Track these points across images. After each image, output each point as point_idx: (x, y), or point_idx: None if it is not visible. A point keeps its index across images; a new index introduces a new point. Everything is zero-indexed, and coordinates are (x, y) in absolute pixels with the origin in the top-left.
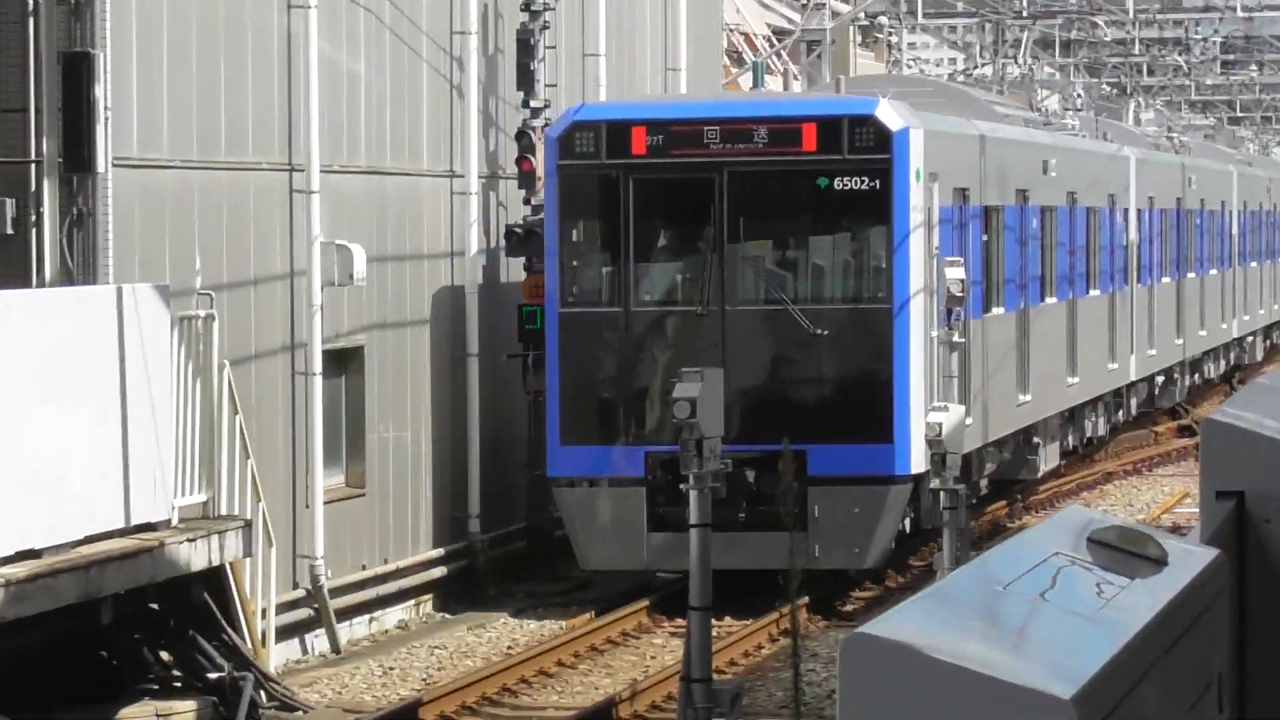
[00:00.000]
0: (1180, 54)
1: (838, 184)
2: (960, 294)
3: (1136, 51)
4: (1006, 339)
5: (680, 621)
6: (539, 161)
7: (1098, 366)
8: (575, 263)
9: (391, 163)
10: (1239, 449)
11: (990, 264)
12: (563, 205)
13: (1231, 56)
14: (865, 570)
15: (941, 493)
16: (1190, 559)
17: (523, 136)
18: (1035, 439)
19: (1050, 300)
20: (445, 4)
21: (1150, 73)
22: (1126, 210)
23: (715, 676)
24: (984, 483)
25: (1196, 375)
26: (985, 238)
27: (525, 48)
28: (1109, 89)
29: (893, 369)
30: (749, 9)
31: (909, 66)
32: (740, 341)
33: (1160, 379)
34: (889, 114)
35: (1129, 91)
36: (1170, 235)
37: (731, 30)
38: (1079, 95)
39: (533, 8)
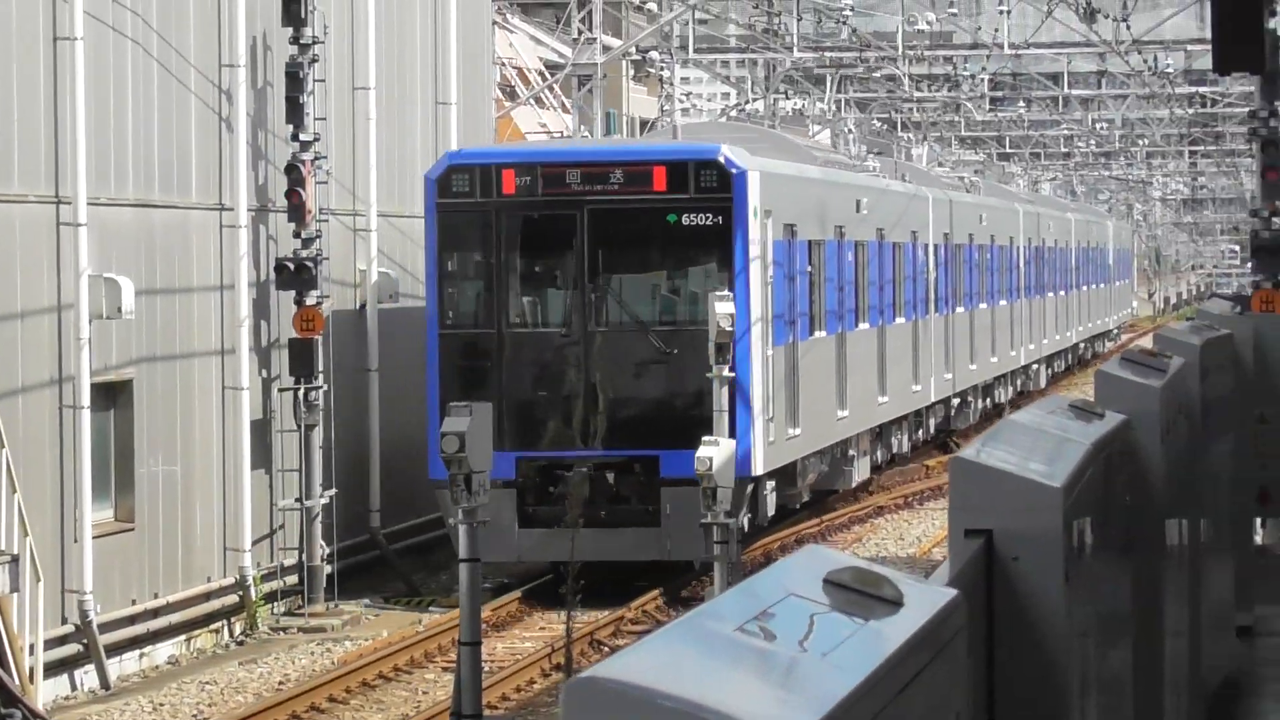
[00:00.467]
0: (949, 90)
1: (685, 220)
2: (730, 329)
3: (906, 88)
4: (827, 359)
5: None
6: (309, 195)
7: (903, 388)
8: (452, 290)
9: (160, 195)
10: (987, 487)
11: (814, 292)
12: (441, 239)
13: (1000, 94)
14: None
15: (714, 527)
16: (927, 599)
17: (292, 170)
18: (850, 452)
19: (864, 326)
20: (213, 37)
21: (921, 108)
22: (926, 245)
23: (486, 712)
24: (805, 491)
25: (988, 399)
26: (810, 269)
27: (294, 81)
28: (880, 124)
29: (735, 383)
30: (521, 43)
31: (681, 101)
32: (601, 359)
33: (956, 401)
34: (731, 157)
35: (899, 127)
36: (964, 269)
37: (504, 64)
38: (850, 131)
39: (301, 41)
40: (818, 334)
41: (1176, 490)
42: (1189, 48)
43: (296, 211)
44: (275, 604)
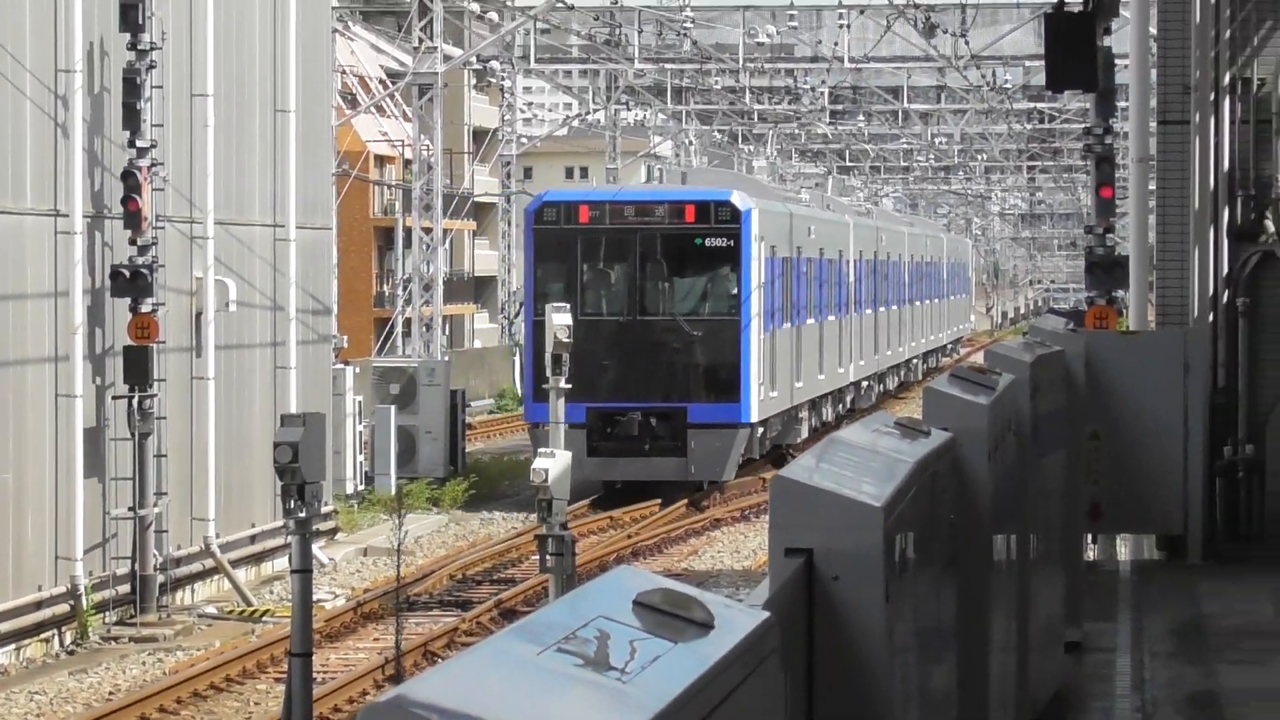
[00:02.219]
0: (790, 103)
1: (708, 242)
2: (567, 339)
3: (747, 100)
4: (791, 344)
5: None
6: (145, 202)
7: (833, 369)
8: (544, 290)
9: None
10: (807, 506)
11: (785, 294)
12: (536, 253)
13: (840, 107)
14: (722, 481)
15: (549, 539)
16: (738, 620)
17: (129, 176)
18: (800, 415)
19: (810, 321)
20: (49, 41)
21: (761, 121)
22: (848, 260)
23: None
24: (768, 442)
25: (883, 384)
26: (783, 278)
27: (131, 87)
28: (720, 136)
29: (740, 357)
30: (362, 51)
31: (523, 111)
32: (647, 339)
33: (865, 384)
34: (739, 199)
35: (740, 139)
36: (871, 279)
37: (345, 72)
38: (691, 142)
39: (139, 47)
40: (785, 325)
41: (1005, 507)
42: (1027, 63)
43: (132, 218)
44: (107, 613)
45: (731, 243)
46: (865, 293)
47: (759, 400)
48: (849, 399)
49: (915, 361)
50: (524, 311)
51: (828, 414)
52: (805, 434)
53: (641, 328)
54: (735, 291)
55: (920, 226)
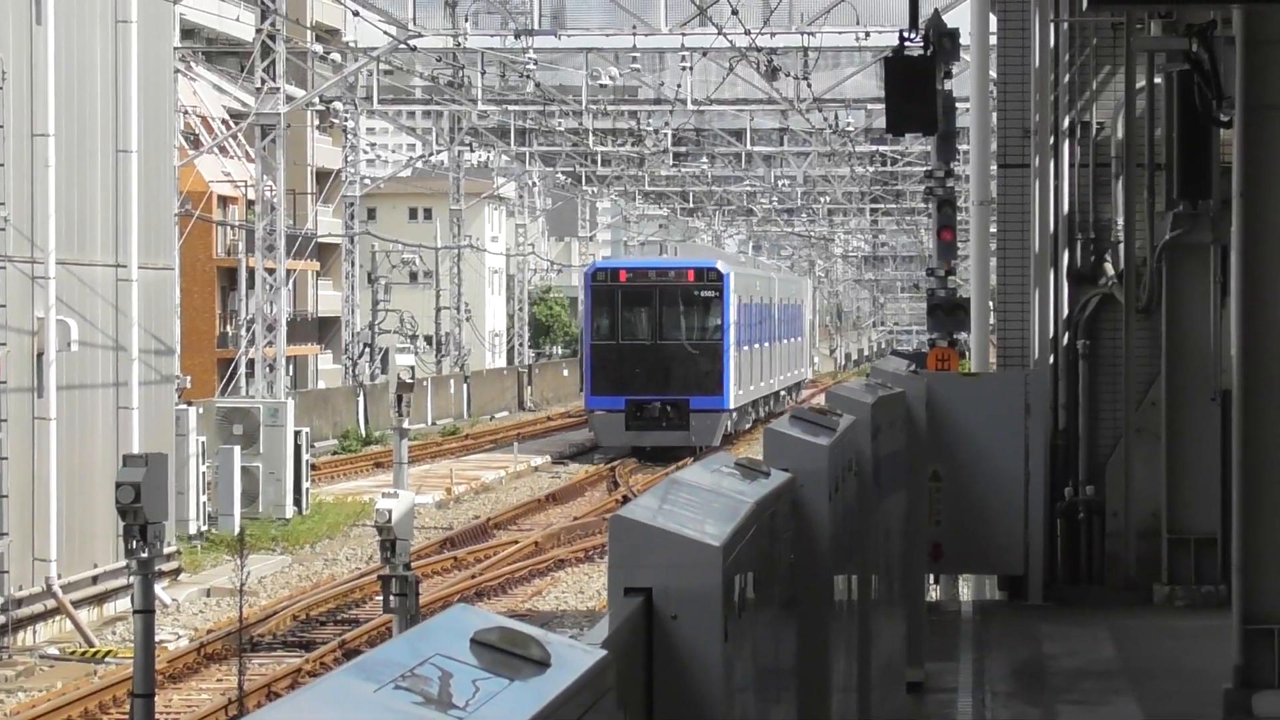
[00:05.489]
0: (633, 145)
1: (701, 294)
2: (410, 380)
3: (590, 142)
4: (749, 360)
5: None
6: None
7: (766, 381)
8: (597, 324)
9: None
10: (646, 545)
11: (749, 327)
12: (593, 300)
13: (683, 149)
14: (712, 446)
15: (392, 579)
16: (575, 658)
17: None
18: (749, 410)
19: (757, 346)
20: None
21: (605, 163)
22: (774, 304)
23: None
24: (731, 425)
25: (791, 394)
26: (745, 316)
27: None
28: (564, 178)
29: (723, 366)
30: (204, 91)
31: (366, 152)
32: (664, 355)
33: (781, 393)
34: (722, 265)
35: (583, 180)
36: (787, 318)
37: (187, 112)
38: (535, 184)
39: None
40: (745, 348)
41: (846, 547)
42: (869, 106)
43: None
44: None
45: (718, 294)
46: (783, 329)
47: (734, 395)
48: (772, 402)
49: (809, 378)
50: (583, 336)
51: (761, 412)
52: (747, 425)
53: (660, 347)
54: (720, 325)
55: (808, 279)
